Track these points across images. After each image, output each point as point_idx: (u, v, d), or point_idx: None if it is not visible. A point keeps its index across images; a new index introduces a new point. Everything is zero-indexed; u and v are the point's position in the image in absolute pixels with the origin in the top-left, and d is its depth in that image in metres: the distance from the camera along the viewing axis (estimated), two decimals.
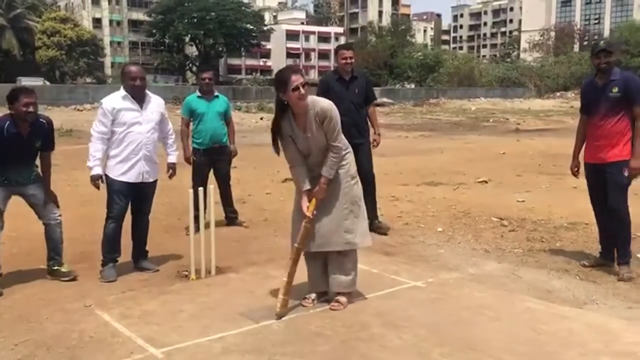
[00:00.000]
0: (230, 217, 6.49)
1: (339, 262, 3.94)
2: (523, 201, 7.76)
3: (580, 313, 3.90)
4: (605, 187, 4.74)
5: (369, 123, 6.27)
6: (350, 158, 3.97)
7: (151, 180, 4.84)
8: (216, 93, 6.38)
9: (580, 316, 3.82)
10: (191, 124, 6.34)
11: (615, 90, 4.60)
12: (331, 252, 3.94)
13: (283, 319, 3.76)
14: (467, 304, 4.02)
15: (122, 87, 4.76)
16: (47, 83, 43.76)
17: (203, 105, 6.23)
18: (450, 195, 8.34)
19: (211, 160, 6.27)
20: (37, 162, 4.72)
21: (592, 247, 5.44)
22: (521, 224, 6.51)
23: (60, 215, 4.74)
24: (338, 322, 3.70)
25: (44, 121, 4.59)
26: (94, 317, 3.83)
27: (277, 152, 3.92)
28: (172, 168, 5.06)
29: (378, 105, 36.63)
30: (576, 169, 5.03)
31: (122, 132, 4.66)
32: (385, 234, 6.03)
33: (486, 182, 9.51)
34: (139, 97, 4.73)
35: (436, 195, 8.27)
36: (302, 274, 4.04)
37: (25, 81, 38.51)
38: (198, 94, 6.33)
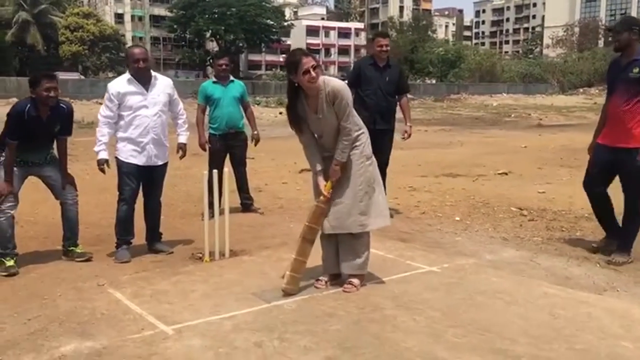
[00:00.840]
0: (246, 204, 6.48)
1: (351, 245, 3.89)
2: (543, 192, 7.63)
3: (600, 299, 3.80)
4: (609, 172, 4.63)
5: (402, 114, 6.21)
6: (364, 139, 3.88)
7: (160, 163, 4.82)
8: (232, 78, 6.36)
9: (599, 302, 3.72)
10: (207, 110, 6.33)
11: (637, 70, 4.41)
12: (343, 234, 3.88)
13: (295, 299, 3.72)
14: (483, 288, 3.94)
15: (127, 71, 4.75)
16: (82, 77, 44.67)
17: (219, 90, 6.21)
18: (470, 186, 8.23)
19: (227, 145, 6.25)
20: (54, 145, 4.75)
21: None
22: (541, 214, 6.39)
23: (77, 196, 4.75)
24: (351, 303, 3.65)
25: (64, 106, 4.61)
26: (106, 295, 3.83)
27: (297, 133, 3.89)
28: (181, 148, 5.03)
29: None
30: (592, 150, 4.89)
31: (128, 116, 4.65)
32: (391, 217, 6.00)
33: (506, 174, 9.37)
34: (143, 79, 4.69)
35: (455, 186, 8.16)
36: (316, 257, 4.00)
37: (63, 76, 39.16)
38: (213, 79, 6.33)
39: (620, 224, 4.75)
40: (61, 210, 4.73)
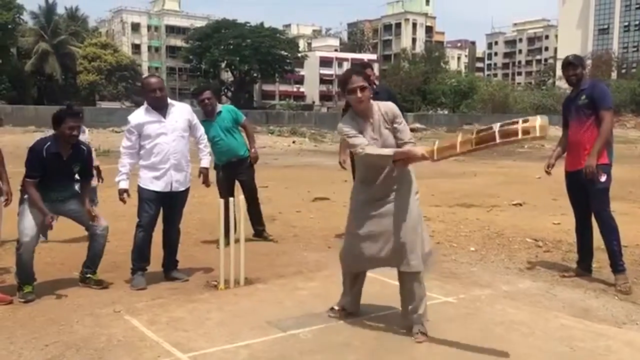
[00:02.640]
0: (258, 229, 6.43)
1: (418, 288, 3.62)
2: (559, 224, 7.57)
3: (619, 332, 3.75)
4: (586, 195, 4.90)
5: None
6: (412, 173, 3.73)
7: (182, 189, 4.88)
8: (219, 109, 6.18)
9: (619, 335, 3.68)
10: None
11: (583, 98, 4.88)
12: (407, 277, 3.61)
13: (311, 328, 3.71)
14: (500, 319, 3.91)
15: (144, 102, 4.84)
16: (124, 106, 45.92)
17: (210, 127, 6.01)
18: (484, 216, 8.20)
19: (233, 173, 6.23)
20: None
21: (631, 269, 5.26)
22: (557, 245, 6.34)
23: (107, 228, 4.74)
24: (367, 334, 3.64)
25: (84, 148, 4.70)
26: (123, 322, 3.85)
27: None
28: (203, 173, 5.09)
29: (412, 130, 36.66)
30: (549, 168, 5.19)
31: (149, 144, 4.74)
32: None
33: (521, 204, 9.33)
34: (160, 107, 4.78)
35: (469, 216, 8.13)
36: (332, 286, 3.99)
37: (105, 105, 40.10)
38: (202, 117, 6.06)
39: (605, 245, 4.93)
40: (89, 240, 4.77)
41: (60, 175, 4.54)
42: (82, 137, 6.24)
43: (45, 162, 4.41)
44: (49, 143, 4.46)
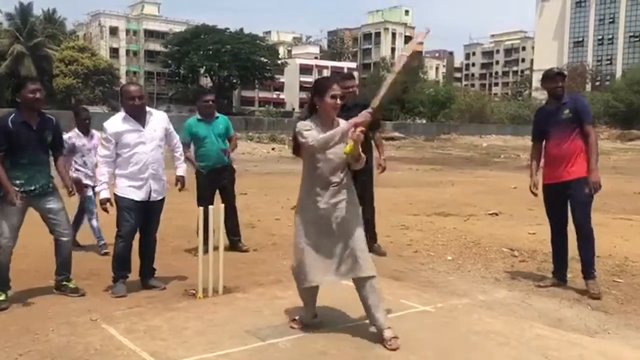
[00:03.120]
0: (233, 240, 6.33)
1: (375, 291, 3.69)
2: (534, 233, 7.68)
3: (592, 341, 3.82)
4: (565, 206, 5.00)
5: (376, 149, 6.34)
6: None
7: (159, 198, 4.85)
8: (216, 114, 6.30)
9: (592, 344, 3.75)
10: (191, 147, 6.26)
11: (567, 112, 4.93)
12: (365, 282, 3.66)
13: (289, 337, 3.71)
14: (477, 329, 3.96)
15: (122, 108, 4.78)
16: (105, 110, 45.39)
17: (204, 128, 6.15)
18: (461, 225, 8.29)
19: (215, 180, 6.21)
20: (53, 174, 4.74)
21: (604, 279, 5.37)
22: (532, 255, 6.44)
23: (70, 232, 4.75)
24: (345, 343, 3.65)
25: (52, 117, 4.65)
26: (100, 331, 3.81)
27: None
28: (180, 181, 5.06)
29: (389, 138, 36.97)
30: (535, 187, 5.22)
31: (126, 153, 4.69)
32: (384, 255, 6.14)
33: (497, 214, 9.45)
34: (139, 116, 4.73)
35: (446, 225, 8.22)
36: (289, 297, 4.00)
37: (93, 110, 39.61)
38: (198, 117, 6.24)
39: (581, 254, 5.04)
40: (55, 246, 4.71)
41: (32, 146, 4.43)
42: (91, 143, 6.21)
43: (13, 134, 4.30)
44: (13, 114, 4.36)
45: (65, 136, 6.42)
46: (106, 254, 5.80)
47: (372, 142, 6.32)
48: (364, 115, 3.52)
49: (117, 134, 4.67)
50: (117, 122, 4.72)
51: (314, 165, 3.67)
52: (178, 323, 3.98)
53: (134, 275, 4.94)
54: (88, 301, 4.51)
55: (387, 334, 3.60)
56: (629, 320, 4.33)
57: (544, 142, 5.18)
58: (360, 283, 3.66)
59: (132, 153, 4.68)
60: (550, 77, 5.00)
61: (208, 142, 6.16)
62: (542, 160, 5.27)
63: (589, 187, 4.84)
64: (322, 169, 3.65)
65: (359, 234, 3.70)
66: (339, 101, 3.64)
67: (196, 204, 5.96)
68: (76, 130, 6.25)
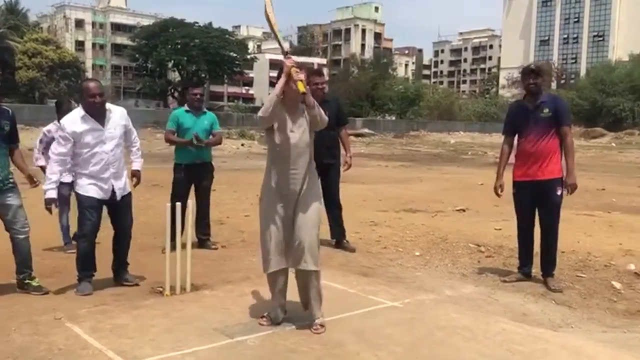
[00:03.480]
0: (201, 239, 6.28)
1: (315, 284, 3.82)
2: (500, 229, 7.80)
3: (556, 335, 3.91)
4: (535, 205, 5.07)
5: (343, 145, 6.37)
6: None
7: (124, 194, 4.77)
8: (204, 109, 6.34)
9: (555, 338, 3.83)
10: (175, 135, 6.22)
11: (546, 111, 4.94)
12: (306, 275, 3.80)
13: (258, 334, 3.69)
14: (444, 324, 4.01)
15: (80, 105, 4.65)
16: (76, 105, 44.06)
17: (190, 120, 6.15)
18: (429, 222, 8.37)
19: (192, 177, 6.16)
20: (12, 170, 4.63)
21: (568, 274, 5.49)
22: (498, 250, 6.54)
23: (28, 229, 4.63)
24: (314, 339, 3.65)
25: (7, 108, 4.56)
26: (64, 330, 3.74)
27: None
28: (135, 175, 4.97)
29: (359, 135, 37.09)
30: (500, 189, 5.29)
31: (86, 153, 4.57)
32: (353, 251, 6.19)
33: (464, 210, 9.57)
34: (98, 114, 4.60)
35: (415, 222, 8.29)
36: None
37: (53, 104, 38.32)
38: (186, 108, 6.26)
39: (545, 253, 5.16)
40: (12, 244, 4.59)
41: None
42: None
43: None
44: None
45: (45, 129, 6.28)
46: (72, 252, 5.68)
47: (339, 138, 6.34)
48: (286, 64, 3.75)
49: (76, 134, 4.52)
50: (75, 121, 4.57)
51: (274, 151, 3.76)
52: (145, 321, 3.93)
53: (100, 273, 4.86)
54: (52, 300, 4.41)
55: (317, 322, 3.79)
56: (592, 314, 4.44)
57: (516, 138, 5.21)
58: (303, 275, 3.80)
59: (92, 153, 4.57)
60: (525, 74, 5.05)
61: (190, 134, 6.11)
62: (512, 156, 5.32)
63: (565, 188, 4.92)
64: (283, 154, 3.73)
65: (313, 226, 3.76)
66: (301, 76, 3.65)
67: (170, 199, 5.92)
68: (57, 123, 6.08)
